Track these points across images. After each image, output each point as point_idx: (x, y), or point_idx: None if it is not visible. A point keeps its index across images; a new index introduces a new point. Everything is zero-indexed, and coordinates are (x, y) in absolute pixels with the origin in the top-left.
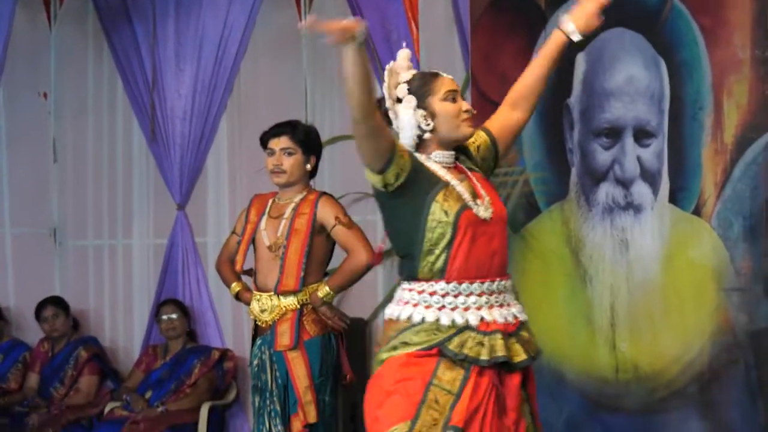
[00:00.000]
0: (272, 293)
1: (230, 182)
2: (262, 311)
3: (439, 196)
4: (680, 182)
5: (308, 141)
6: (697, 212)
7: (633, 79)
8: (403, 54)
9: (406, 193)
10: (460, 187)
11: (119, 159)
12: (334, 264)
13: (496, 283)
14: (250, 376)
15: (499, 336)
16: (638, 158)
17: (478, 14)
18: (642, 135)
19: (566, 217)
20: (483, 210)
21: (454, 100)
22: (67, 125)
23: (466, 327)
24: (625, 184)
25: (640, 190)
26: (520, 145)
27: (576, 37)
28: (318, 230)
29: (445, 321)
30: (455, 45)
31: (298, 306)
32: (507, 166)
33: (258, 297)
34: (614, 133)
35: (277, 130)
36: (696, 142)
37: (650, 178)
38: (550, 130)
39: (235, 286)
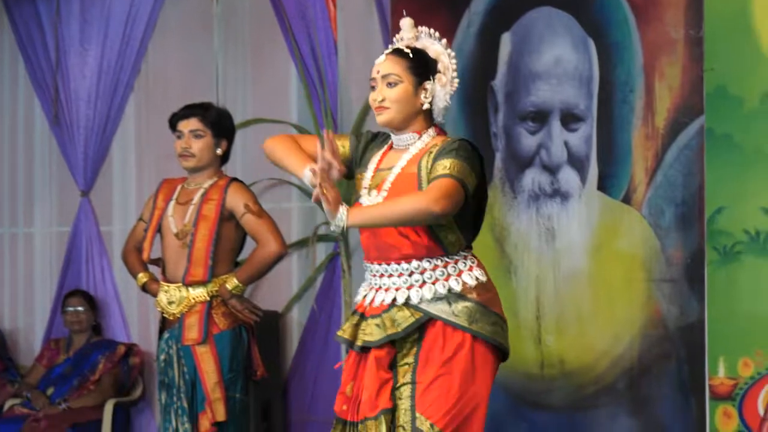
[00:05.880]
0: (180, 284)
1: (137, 167)
2: (170, 303)
3: (358, 177)
4: (609, 168)
5: (219, 124)
6: (626, 200)
7: (561, 60)
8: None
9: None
10: (368, 176)
11: (20, 143)
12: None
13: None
14: (156, 372)
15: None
16: (565, 143)
17: None
18: (570, 119)
19: (490, 204)
20: (368, 201)
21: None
22: None
23: None
24: (551, 170)
25: (568, 176)
26: (441, 128)
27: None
28: (227, 217)
29: None
30: (374, 24)
31: (208, 298)
32: None
33: (166, 288)
34: (540, 117)
35: (186, 112)
36: (626, 127)
37: (578, 164)
38: (473, 114)
39: (142, 277)
